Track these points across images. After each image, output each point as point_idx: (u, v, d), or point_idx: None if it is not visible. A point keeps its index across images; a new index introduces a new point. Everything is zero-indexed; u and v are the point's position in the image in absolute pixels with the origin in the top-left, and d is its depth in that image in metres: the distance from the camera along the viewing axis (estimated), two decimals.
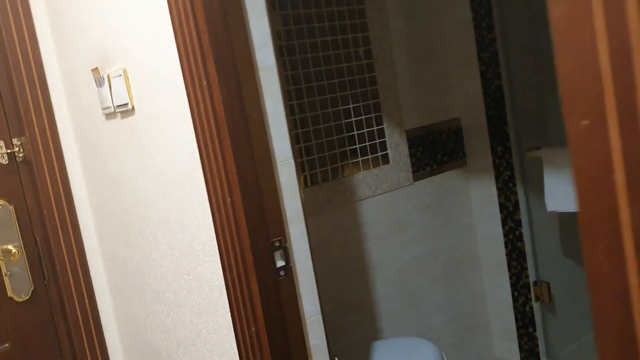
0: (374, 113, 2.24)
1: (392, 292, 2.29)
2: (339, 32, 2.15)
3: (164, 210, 1.32)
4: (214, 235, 1.16)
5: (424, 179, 2.38)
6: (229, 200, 1.08)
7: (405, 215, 2.33)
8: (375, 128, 2.24)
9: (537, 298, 2.42)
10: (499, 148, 2.36)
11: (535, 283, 2.41)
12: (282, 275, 1.12)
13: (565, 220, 2.49)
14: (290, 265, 1.14)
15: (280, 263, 1.13)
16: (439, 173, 2.42)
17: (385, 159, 2.27)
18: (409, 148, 2.33)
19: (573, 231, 2.58)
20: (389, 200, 2.28)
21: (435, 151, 2.41)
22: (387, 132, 2.26)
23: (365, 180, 2.21)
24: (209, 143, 1.09)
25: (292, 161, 1.17)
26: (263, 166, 1.10)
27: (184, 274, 1.31)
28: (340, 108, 2.17)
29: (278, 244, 1.12)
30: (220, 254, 1.14)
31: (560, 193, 2.12)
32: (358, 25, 2.21)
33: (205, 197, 1.15)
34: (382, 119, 2.25)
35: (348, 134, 2.18)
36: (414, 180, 2.35)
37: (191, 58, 1.06)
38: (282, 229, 1.13)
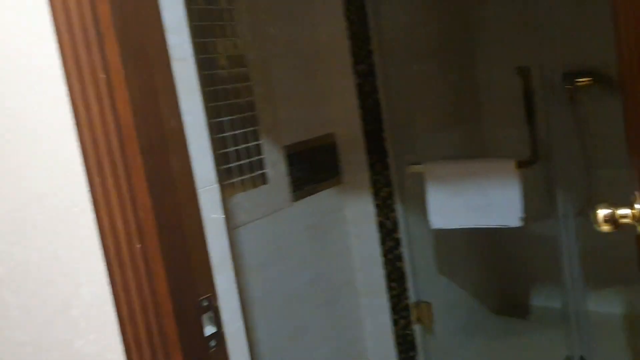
0: (249, 127, 1.96)
1: (275, 328, 2.02)
2: (205, 35, 1.85)
3: (19, 260, 0.91)
4: (109, 295, 0.80)
5: (303, 200, 2.16)
6: (139, 246, 0.74)
7: (285, 240, 2.08)
8: (251, 144, 1.97)
9: (418, 320, 2.33)
10: (377, 164, 2.23)
11: (415, 304, 2.32)
12: (212, 347, 0.81)
13: (441, 237, 2.44)
14: (222, 332, 0.84)
15: (209, 330, 0.82)
16: (317, 192, 2.22)
17: (263, 178, 2.00)
18: (288, 166, 2.10)
19: (449, 248, 2.55)
20: (268, 225, 2.02)
21: (313, 169, 2.21)
22: (264, 148, 2.00)
23: (241, 203, 1.92)
24: (105, 164, 0.74)
25: (216, 186, 0.86)
26: (186, 196, 0.78)
27: (51, 349, 0.92)
28: (211, 121, 1.86)
29: (207, 304, 0.81)
30: (120, 323, 0.79)
31: (445, 209, 2.05)
32: (228, 28, 1.93)
33: (95, 242, 0.79)
34: (259, 134, 1.99)
35: (220, 152, 1.88)
36: (293, 201, 2.12)
37: (79, 38, 0.71)
38: (210, 281, 0.82)
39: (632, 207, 0.88)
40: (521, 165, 1.84)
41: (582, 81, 2.34)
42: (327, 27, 2.23)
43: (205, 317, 0.81)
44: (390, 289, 2.31)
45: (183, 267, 0.77)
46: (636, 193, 0.92)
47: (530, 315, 2.78)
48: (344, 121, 2.27)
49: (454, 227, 2.02)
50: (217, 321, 0.82)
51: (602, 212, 0.90)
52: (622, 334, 2.38)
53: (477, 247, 2.79)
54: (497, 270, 2.94)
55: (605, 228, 0.90)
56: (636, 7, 0.82)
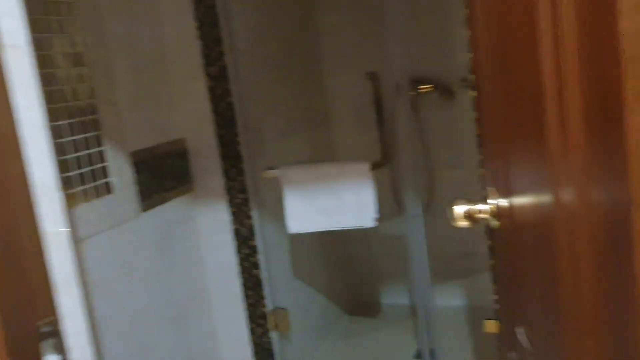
0: (91, 132, 1.80)
1: (123, 350, 1.87)
2: (40, 29, 1.66)
3: None
4: None
5: (151, 210, 2.03)
6: None
7: (133, 254, 1.94)
8: (93, 150, 1.80)
9: (275, 327, 2.31)
10: (231, 170, 2.17)
11: (272, 311, 2.29)
12: None
13: (297, 241, 2.44)
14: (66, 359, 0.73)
15: (51, 359, 0.71)
16: (167, 201, 2.10)
17: (108, 187, 1.84)
18: (135, 174, 1.96)
19: (304, 252, 2.56)
20: (113, 238, 1.86)
21: (162, 176, 2.08)
22: (109, 155, 1.85)
23: (84, 215, 1.75)
24: None
25: (58, 195, 0.75)
26: (21, 206, 0.67)
27: None
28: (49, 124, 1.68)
29: (48, 329, 0.70)
30: None
31: (301, 213, 2.04)
32: (66, 23, 1.75)
33: None
34: (102, 139, 1.83)
35: (60, 158, 1.70)
36: (141, 211, 1.98)
37: None
38: (52, 303, 0.71)
39: (486, 203, 0.92)
40: (375, 167, 1.90)
41: (424, 88, 2.49)
42: (176, 26, 2.13)
43: (46, 344, 0.70)
44: (246, 297, 2.26)
45: (18, 289, 0.65)
46: (488, 189, 0.96)
47: (381, 313, 2.89)
48: (195, 126, 2.18)
49: (310, 231, 2.02)
50: (60, 348, 0.71)
51: (460, 209, 0.93)
52: (466, 325, 2.56)
53: (331, 249, 2.84)
54: (350, 271, 3.03)
55: (463, 224, 0.94)
56: (488, 12, 0.86)
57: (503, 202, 0.86)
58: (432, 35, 2.64)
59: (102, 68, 1.84)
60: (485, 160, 0.98)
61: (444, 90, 2.58)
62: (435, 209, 2.53)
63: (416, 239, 2.03)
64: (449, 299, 2.76)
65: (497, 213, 0.90)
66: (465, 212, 0.93)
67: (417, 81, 2.47)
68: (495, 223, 0.92)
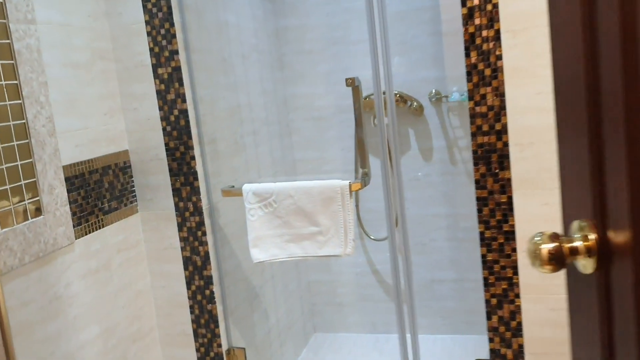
0: (16, 141, 1.45)
1: None
2: None
3: None
4: None
5: (88, 235, 1.69)
6: None
7: (66, 288, 1.59)
8: (20, 162, 1.45)
9: None
10: (183, 188, 1.87)
11: (228, 352, 1.99)
12: None
13: (256, 270, 2.16)
14: None
15: None
16: (106, 225, 1.76)
17: (37, 209, 1.50)
18: (68, 192, 1.62)
19: (263, 281, 2.27)
20: (42, 271, 1.51)
21: (101, 195, 1.75)
22: (37, 168, 1.50)
23: (6, 243, 1.40)
24: None
25: None
26: None
27: None
28: None
29: None
30: None
31: (267, 240, 1.77)
32: None
33: None
34: (30, 150, 1.48)
35: None
36: (76, 238, 1.64)
37: None
38: None
39: (584, 239, 0.69)
40: (355, 186, 1.66)
41: (398, 101, 2.30)
42: (120, 18, 1.82)
43: None
44: (198, 336, 1.95)
45: None
46: (573, 221, 0.74)
47: (345, 345, 2.63)
48: (141, 136, 1.86)
49: (278, 260, 1.75)
50: None
51: (546, 246, 0.71)
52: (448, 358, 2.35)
53: (292, 275, 2.56)
54: (311, 299, 2.76)
55: (547, 269, 0.71)
56: None
57: (619, 237, 0.64)
58: (402, 46, 2.46)
59: (32, 64, 1.50)
60: (569, 183, 0.75)
61: (414, 104, 2.39)
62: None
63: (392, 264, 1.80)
64: (427, 328, 2.55)
65: (598, 252, 0.68)
66: (551, 252, 0.71)
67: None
68: (588, 266, 0.70)
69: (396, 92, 2.42)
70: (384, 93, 1.65)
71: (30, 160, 1.48)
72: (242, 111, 2.27)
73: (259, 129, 2.40)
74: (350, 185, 1.67)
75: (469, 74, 1.56)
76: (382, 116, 1.60)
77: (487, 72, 1.54)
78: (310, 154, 2.69)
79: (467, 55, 1.56)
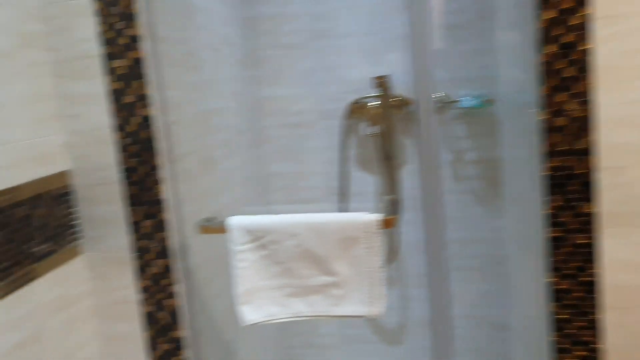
0: None
1: None
2: None
3: None
4: None
5: (11, 295, 1.18)
6: None
7: None
8: None
9: None
10: (144, 221, 1.38)
11: None
12: None
13: (243, 332, 1.69)
14: None
15: None
16: (37, 277, 1.26)
17: None
18: None
19: (249, 341, 1.80)
20: None
21: (26, 237, 1.24)
22: None
23: None
24: None
25: None
26: None
27: None
28: None
29: None
30: None
31: (262, 295, 1.32)
32: None
33: None
34: None
35: None
36: None
37: None
38: None
39: None
40: (388, 222, 1.23)
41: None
42: None
43: None
44: None
45: None
46: None
47: None
48: (86, 152, 1.37)
49: (278, 320, 1.30)
50: None
51: None
52: None
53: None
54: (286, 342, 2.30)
55: None
56: None
57: None
58: (403, 40, 2.06)
59: None
60: None
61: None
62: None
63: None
64: None
65: None
66: None
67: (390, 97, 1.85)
68: None
69: (399, 95, 2.02)
70: (420, 96, 1.24)
71: None
72: (213, 117, 1.81)
73: (231, 139, 1.94)
74: (379, 221, 1.24)
75: (543, 74, 1.17)
76: (428, 124, 1.19)
77: (570, 71, 1.16)
78: (287, 166, 2.25)
79: (541, 50, 1.17)
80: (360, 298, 1.27)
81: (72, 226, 1.38)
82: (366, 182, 2.18)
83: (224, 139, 1.87)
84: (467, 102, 2.01)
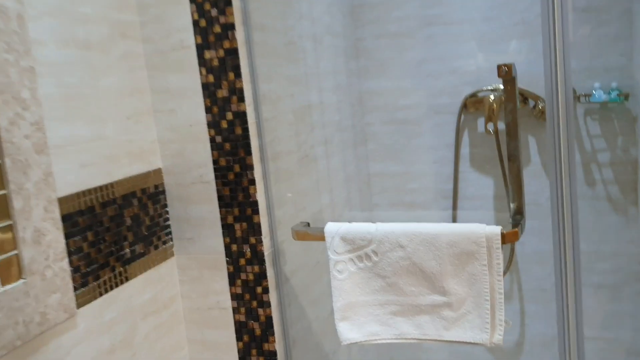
0: None
1: None
2: None
3: None
4: None
5: (100, 298, 1.13)
6: None
7: None
8: None
9: None
10: (238, 225, 1.29)
11: None
12: None
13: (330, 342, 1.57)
14: None
15: None
16: (128, 280, 1.20)
17: (14, 266, 0.94)
18: (66, 237, 1.05)
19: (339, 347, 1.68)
20: None
21: (120, 238, 1.18)
22: (14, 204, 0.94)
23: None
24: None
25: None
26: None
27: None
28: None
29: None
30: None
31: (365, 312, 1.18)
32: None
33: None
34: (2, 174, 0.93)
35: None
36: (80, 305, 1.08)
37: None
38: None
39: None
40: (509, 237, 1.05)
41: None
42: None
43: None
44: None
45: None
46: None
47: None
48: (180, 149, 1.29)
49: (381, 341, 1.16)
50: None
51: None
52: None
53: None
54: None
55: None
56: None
57: None
58: (520, 26, 1.83)
59: (6, 35, 0.94)
60: None
61: (539, 104, 1.77)
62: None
63: None
64: None
65: None
66: None
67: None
68: None
69: (523, 87, 1.79)
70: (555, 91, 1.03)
71: (4, 191, 0.93)
72: (313, 113, 1.69)
73: (331, 137, 1.81)
74: (503, 235, 1.06)
75: None
76: (563, 121, 0.99)
77: None
78: (391, 167, 2.09)
79: None
80: (475, 322, 1.09)
81: (165, 227, 1.31)
82: (483, 184, 1.97)
83: (325, 136, 1.75)
84: (600, 96, 1.75)
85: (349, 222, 1.21)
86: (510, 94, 1.07)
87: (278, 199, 1.34)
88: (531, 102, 1.81)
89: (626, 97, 1.74)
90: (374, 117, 2.07)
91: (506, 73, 1.05)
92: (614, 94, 1.74)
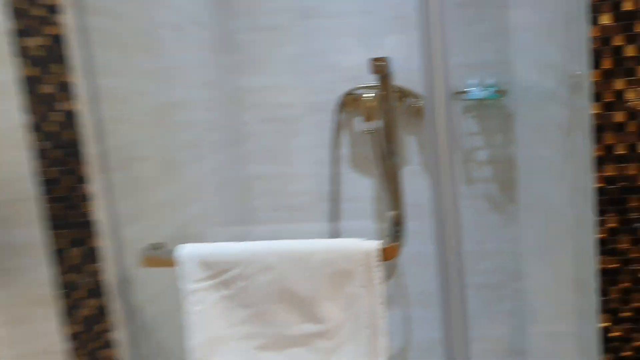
0: None
1: None
2: None
3: None
4: None
5: None
6: None
7: None
8: None
9: None
10: (72, 250, 1.06)
11: None
12: None
13: None
14: None
15: None
16: None
17: None
18: None
19: None
20: None
21: None
22: None
23: None
24: None
25: None
26: None
27: None
28: None
29: None
30: None
31: (224, 345, 1.00)
32: None
33: None
34: None
35: None
36: None
37: None
38: None
39: None
40: (388, 253, 0.92)
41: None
42: None
43: None
44: None
45: None
46: None
47: None
48: None
49: None
50: None
51: None
52: None
53: None
54: None
55: None
56: None
57: None
58: (400, 20, 1.74)
59: None
60: None
61: (417, 102, 1.69)
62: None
63: None
64: None
65: None
66: None
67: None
68: None
69: (400, 84, 1.70)
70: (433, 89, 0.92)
71: None
72: (177, 112, 1.48)
73: (200, 138, 1.62)
74: (380, 250, 0.93)
75: (593, 54, 0.86)
76: (442, 119, 0.88)
77: (628, 50, 0.85)
78: (271, 168, 1.93)
79: (595, 20, 0.85)
80: (356, 351, 0.95)
81: None
82: (364, 186, 1.87)
83: (192, 137, 1.55)
84: (477, 92, 1.70)
85: (213, 241, 1.03)
86: (386, 91, 0.95)
87: (128, 216, 1.13)
88: (410, 100, 1.72)
89: (503, 93, 1.70)
90: (251, 115, 1.91)
91: (380, 68, 0.92)
92: (490, 91, 1.69)
